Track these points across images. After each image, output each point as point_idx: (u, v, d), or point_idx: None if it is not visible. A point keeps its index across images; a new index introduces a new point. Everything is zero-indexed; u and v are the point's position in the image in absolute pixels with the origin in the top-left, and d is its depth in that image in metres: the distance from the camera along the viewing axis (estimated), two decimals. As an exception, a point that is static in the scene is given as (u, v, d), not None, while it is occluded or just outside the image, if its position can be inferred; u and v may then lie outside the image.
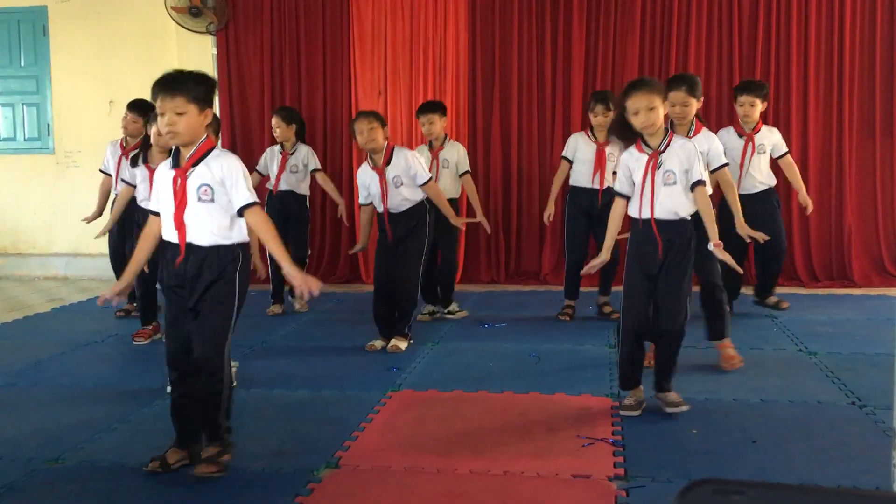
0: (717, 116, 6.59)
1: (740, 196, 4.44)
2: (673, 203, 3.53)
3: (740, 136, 5.26)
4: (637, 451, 3.20)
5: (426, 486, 2.95)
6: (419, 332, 5.10)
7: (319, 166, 6.03)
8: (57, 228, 7.90)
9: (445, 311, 5.69)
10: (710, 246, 3.64)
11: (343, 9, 7.12)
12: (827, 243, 6.76)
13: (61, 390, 4.14)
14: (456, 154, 5.67)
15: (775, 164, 5.44)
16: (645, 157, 3.55)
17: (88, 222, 5.80)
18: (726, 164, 4.33)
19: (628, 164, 3.62)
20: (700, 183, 3.56)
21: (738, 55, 6.71)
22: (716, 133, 4.58)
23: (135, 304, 5.77)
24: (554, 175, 5.74)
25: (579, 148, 5.46)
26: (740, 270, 3.95)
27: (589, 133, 5.48)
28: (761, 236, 4.33)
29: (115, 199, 5.45)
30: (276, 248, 3.03)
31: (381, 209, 4.82)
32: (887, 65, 6.63)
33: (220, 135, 5.07)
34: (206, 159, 2.97)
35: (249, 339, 5.08)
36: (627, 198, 3.64)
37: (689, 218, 3.59)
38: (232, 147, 7.14)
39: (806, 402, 3.78)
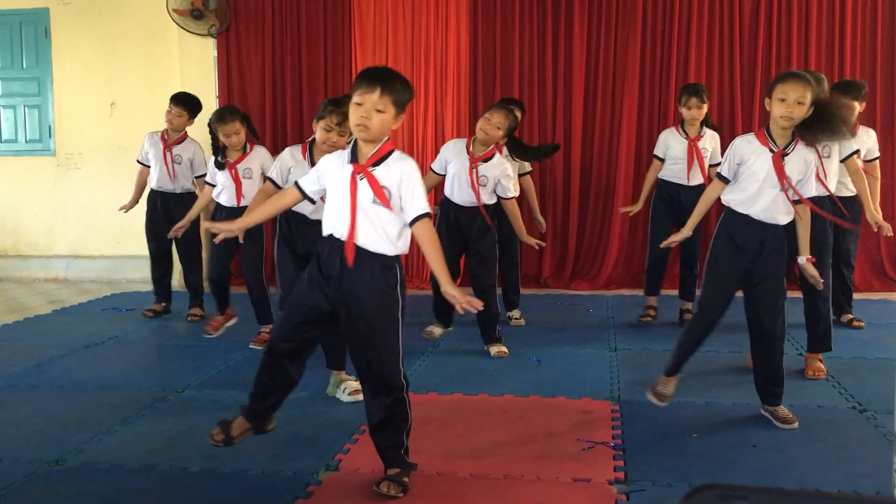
0: (717, 120, 6.59)
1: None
2: (775, 207, 3.45)
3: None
4: (637, 455, 3.20)
5: (426, 488, 2.94)
6: (419, 336, 5.11)
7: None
8: (57, 230, 7.90)
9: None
10: (802, 260, 3.55)
11: (344, 11, 7.13)
12: (828, 248, 6.75)
13: (61, 392, 4.13)
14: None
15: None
16: (768, 154, 3.42)
17: (126, 211, 5.82)
18: (857, 151, 4.48)
19: (744, 152, 3.48)
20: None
21: (738, 57, 6.71)
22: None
23: (164, 305, 5.87)
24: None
25: (670, 145, 5.34)
26: (820, 285, 3.71)
27: (679, 128, 5.35)
28: (889, 228, 4.42)
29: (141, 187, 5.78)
30: (439, 265, 2.80)
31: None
32: (888, 68, 6.64)
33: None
34: (386, 160, 2.81)
35: (249, 340, 5.09)
36: (727, 182, 3.54)
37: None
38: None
39: (806, 406, 3.77)
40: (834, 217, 4.08)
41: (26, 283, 7.56)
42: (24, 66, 7.83)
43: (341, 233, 2.79)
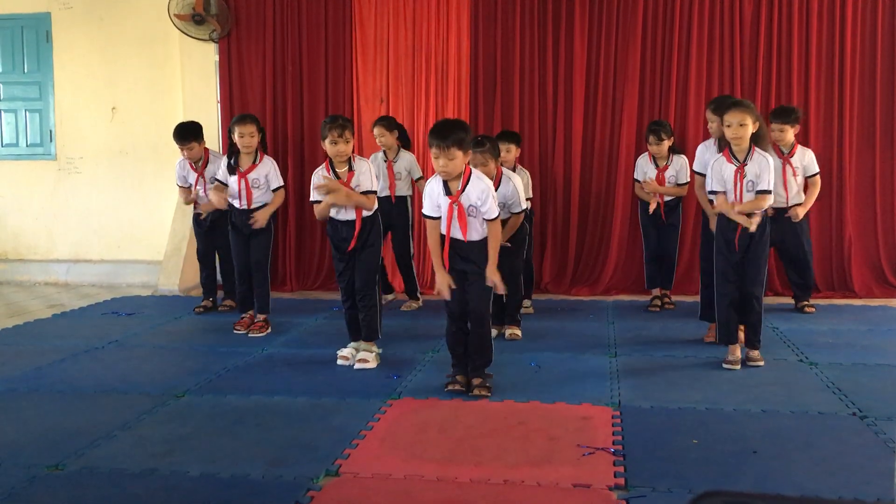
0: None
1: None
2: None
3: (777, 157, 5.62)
4: (638, 461, 3.19)
5: (426, 493, 2.94)
6: (422, 338, 5.10)
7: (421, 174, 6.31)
8: (58, 234, 7.91)
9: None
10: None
11: (346, 16, 7.14)
12: (828, 254, 6.76)
13: (62, 396, 4.13)
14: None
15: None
16: (732, 167, 4.35)
17: (202, 215, 6.13)
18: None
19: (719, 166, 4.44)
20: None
21: (739, 66, 6.72)
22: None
23: (212, 301, 6.29)
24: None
25: (647, 172, 6.08)
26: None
27: (651, 159, 6.06)
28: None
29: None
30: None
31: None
32: (888, 77, 6.64)
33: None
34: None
35: (250, 346, 5.09)
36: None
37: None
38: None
39: (807, 412, 3.77)
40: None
41: (26, 286, 7.56)
42: (26, 70, 7.85)
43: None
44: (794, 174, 5.73)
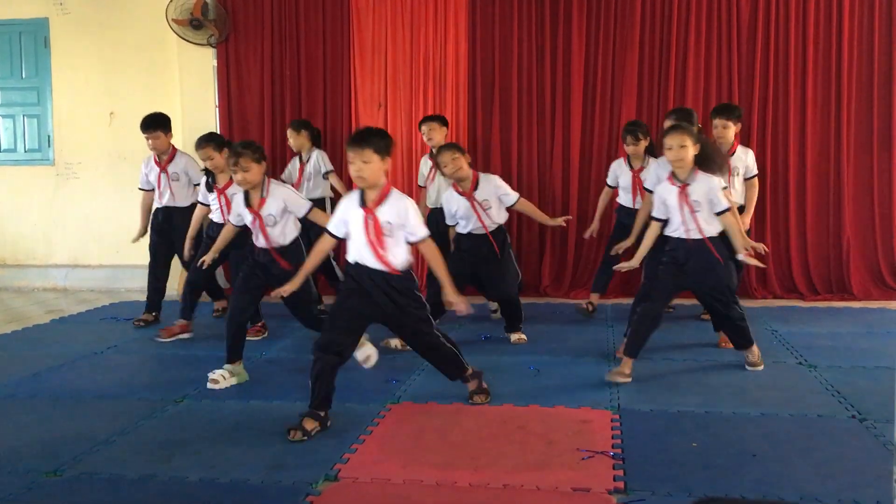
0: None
1: None
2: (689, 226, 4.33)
3: None
4: (637, 465, 3.19)
5: (426, 498, 2.94)
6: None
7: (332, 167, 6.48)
8: (56, 239, 7.90)
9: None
10: (741, 256, 4.36)
11: (344, 22, 7.15)
12: (826, 257, 6.76)
13: (60, 402, 4.13)
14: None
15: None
16: (674, 189, 4.34)
17: (137, 241, 6.07)
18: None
19: (662, 192, 4.44)
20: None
21: (736, 68, 6.73)
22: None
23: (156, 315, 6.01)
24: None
25: (620, 175, 5.87)
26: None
27: (626, 160, 5.82)
28: (763, 247, 4.66)
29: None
30: (443, 274, 3.78)
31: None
32: (885, 79, 6.65)
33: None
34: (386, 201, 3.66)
35: (248, 351, 5.07)
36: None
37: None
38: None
39: (806, 415, 3.77)
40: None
41: (25, 292, 7.56)
42: (24, 75, 7.85)
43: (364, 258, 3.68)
44: (730, 174, 5.34)
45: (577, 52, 6.88)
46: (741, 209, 5.34)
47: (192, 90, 7.40)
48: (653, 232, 4.53)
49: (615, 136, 6.87)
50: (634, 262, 4.56)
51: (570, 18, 6.87)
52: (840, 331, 5.48)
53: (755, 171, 5.58)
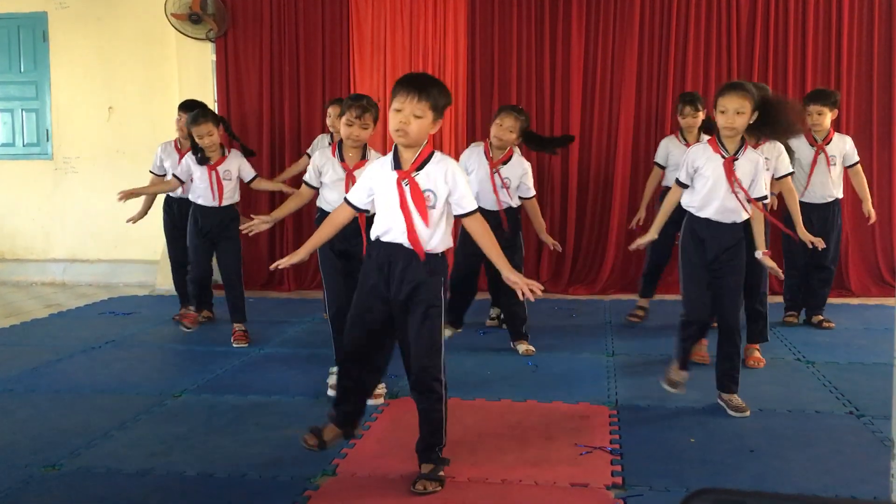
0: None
1: (803, 204, 4.72)
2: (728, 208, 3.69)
3: (811, 145, 5.27)
4: (635, 460, 3.19)
5: (424, 493, 2.94)
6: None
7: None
8: (55, 234, 7.89)
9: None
10: (759, 254, 3.83)
11: (342, 16, 7.14)
12: (824, 253, 6.75)
13: (58, 396, 4.13)
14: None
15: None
16: (719, 159, 3.67)
17: (134, 222, 5.85)
18: (791, 173, 4.50)
19: (697, 158, 3.74)
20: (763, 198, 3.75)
21: (735, 60, 6.72)
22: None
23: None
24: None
25: (671, 152, 5.42)
26: (780, 274, 4.05)
27: (679, 136, 5.47)
28: (820, 242, 4.32)
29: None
30: (496, 255, 3.01)
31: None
32: (884, 74, 6.65)
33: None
34: (427, 164, 2.91)
35: (246, 346, 5.08)
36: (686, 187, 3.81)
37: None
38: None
39: (804, 411, 3.78)
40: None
41: (23, 286, 7.55)
42: (22, 69, 7.83)
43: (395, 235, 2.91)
44: (829, 164, 5.20)
45: (577, 47, 6.87)
46: (835, 203, 5.28)
47: (190, 85, 7.37)
48: (673, 196, 3.88)
49: (614, 131, 6.88)
50: (652, 232, 3.97)
51: (569, 13, 6.86)
52: (838, 327, 5.49)
53: (856, 158, 5.33)
